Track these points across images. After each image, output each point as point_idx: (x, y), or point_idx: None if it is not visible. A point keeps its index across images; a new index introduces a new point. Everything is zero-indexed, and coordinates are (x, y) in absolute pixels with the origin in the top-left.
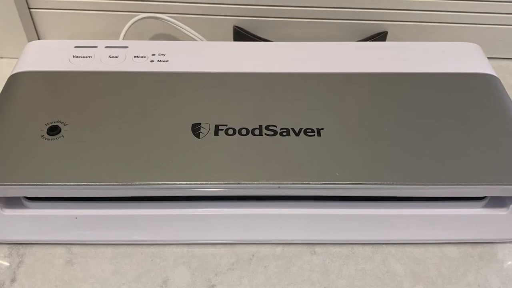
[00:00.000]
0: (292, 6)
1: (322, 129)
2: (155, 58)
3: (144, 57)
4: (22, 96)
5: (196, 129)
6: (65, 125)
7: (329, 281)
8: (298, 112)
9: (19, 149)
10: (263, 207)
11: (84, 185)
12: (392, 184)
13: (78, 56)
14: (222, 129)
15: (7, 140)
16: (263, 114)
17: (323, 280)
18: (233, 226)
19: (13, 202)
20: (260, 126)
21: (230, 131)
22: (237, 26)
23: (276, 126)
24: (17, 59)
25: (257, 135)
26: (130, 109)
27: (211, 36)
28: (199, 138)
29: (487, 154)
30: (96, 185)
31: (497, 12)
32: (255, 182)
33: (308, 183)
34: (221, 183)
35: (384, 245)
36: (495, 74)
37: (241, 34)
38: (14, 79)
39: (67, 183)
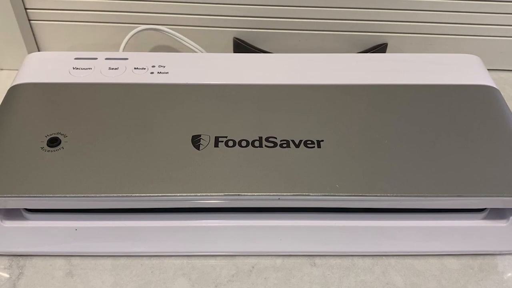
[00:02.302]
0: (292, 18)
1: (322, 140)
2: (155, 69)
3: (144, 68)
4: (22, 108)
5: (196, 140)
6: (65, 136)
7: None
8: (298, 123)
9: (19, 161)
10: (263, 218)
11: (84, 196)
12: (392, 196)
13: (78, 67)
14: (222, 141)
15: (7, 151)
16: (263, 125)
17: None
18: (233, 237)
19: (13, 213)
20: (260, 137)
21: (230, 143)
22: (237, 38)
23: (276, 138)
24: (17, 71)
25: (257, 147)
26: (130, 121)
27: (211, 47)
28: (199, 149)
29: (487, 166)
30: (96, 196)
31: (497, 24)
32: (255, 194)
33: (308, 195)
34: (221, 195)
35: (384, 257)
36: (495, 86)
37: (241, 46)
38: (14, 91)
39: (67, 195)
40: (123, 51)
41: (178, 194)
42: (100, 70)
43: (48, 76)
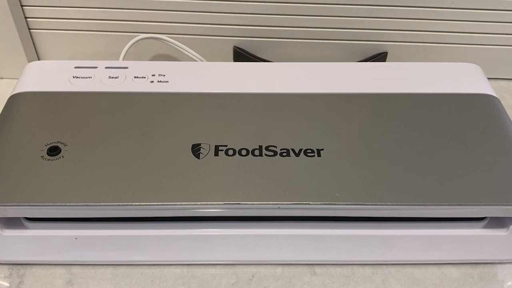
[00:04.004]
0: (292, 27)
1: (322, 149)
2: (155, 78)
3: (144, 77)
4: (22, 117)
5: (196, 149)
6: (65, 145)
7: None
8: (298, 132)
9: (19, 170)
10: (263, 227)
11: (84, 205)
12: (392, 205)
13: (78, 76)
14: (222, 150)
15: (7, 160)
16: (263, 134)
17: None
18: (233, 246)
19: (13, 222)
20: (260, 146)
21: (230, 152)
22: (237, 47)
23: (276, 147)
24: (17, 80)
25: (257, 156)
26: (130, 130)
27: (211, 56)
28: (199, 158)
29: (487, 175)
30: (96, 205)
31: (497, 32)
32: (255, 202)
33: (308, 204)
34: (221, 204)
35: (384, 266)
36: (495, 95)
37: (241, 55)
38: (14, 100)
39: (67, 204)
40: (123, 60)
41: (178, 203)
42: (100, 79)
43: (48, 85)
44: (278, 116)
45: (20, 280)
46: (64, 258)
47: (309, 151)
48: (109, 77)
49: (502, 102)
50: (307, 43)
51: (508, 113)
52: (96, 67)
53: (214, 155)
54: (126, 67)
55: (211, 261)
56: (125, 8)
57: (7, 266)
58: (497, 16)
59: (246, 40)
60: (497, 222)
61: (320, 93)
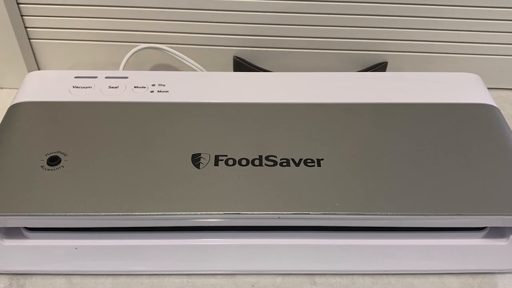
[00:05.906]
0: (292, 37)
1: (322, 159)
2: (155, 88)
3: (144, 87)
4: (22, 127)
5: (196, 159)
6: (65, 155)
7: None
8: (298, 142)
9: (19, 180)
10: (263, 237)
11: (84, 215)
12: (392, 215)
13: (78, 86)
14: (222, 160)
15: (7, 170)
16: (263, 144)
17: None
18: (233, 256)
19: (13, 232)
20: (260, 156)
21: (230, 162)
22: (237, 57)
23: (276, 157)
24: (17, 90)
25: (257, 166)
26: (130, 140)
27: (211, 66)
28: (199, 168)
29: (487, 184)
30: (96, 215)
31: (497, 42)
32: (255, 212)
33: (308, 214)
34: (221, 214)
35: (384, 275)
36: (495, 105)
37: (241, 65)
38: (14, 110)
39: (67, 214)
40: (123, 70)
41: (178, 213)
42: (100, 89)
43: (48, 95)
44: (278, 126)
45: None
46: (64, 268)
47: (309, 161)
48: (109, 87)
49: (502, 112)
50: (307, 53)
51: (508, 123)
52: (96, 77)
53: (214, 165)
54: (126, 77)
55: (211, 271)
56: (125, 18)
57: (7, 276)
58: (497, 26)
59: (246, 50)
60: (497, 232)
61: (320, 103)
